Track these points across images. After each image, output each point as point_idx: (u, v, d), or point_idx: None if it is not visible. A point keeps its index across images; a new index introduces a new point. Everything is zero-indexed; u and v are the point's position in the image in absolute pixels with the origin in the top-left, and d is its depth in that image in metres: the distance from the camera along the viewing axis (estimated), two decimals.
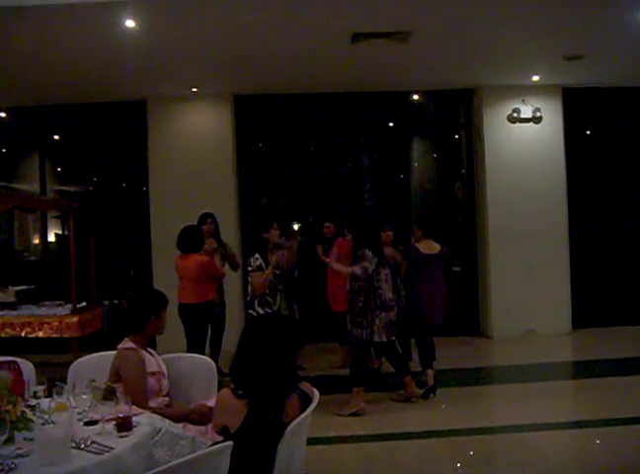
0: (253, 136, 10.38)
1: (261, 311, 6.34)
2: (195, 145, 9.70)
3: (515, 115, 9.84)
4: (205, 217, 7.68)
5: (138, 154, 10.13)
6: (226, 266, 7.71)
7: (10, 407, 2.81)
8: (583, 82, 9.73)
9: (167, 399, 3.99)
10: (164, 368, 4.03)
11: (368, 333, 6.22)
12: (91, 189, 10.98)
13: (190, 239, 6.98)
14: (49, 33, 6.75)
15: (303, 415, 3.04)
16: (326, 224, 8.35)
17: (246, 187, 10.20)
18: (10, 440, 2.74)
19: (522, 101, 9.83)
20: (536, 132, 9.92)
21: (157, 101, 9.68)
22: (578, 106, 10.21)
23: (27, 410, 3.03)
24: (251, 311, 6.45)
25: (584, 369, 8.12)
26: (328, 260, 7.54)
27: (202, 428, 3.71)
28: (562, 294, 9.94)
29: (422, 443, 5.50)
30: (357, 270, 6.23)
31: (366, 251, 6.23)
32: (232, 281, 8.19)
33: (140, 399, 3.54)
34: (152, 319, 3.97)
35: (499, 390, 7.40)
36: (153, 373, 3.89)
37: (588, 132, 10.70)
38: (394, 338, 6.45)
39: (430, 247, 6.96)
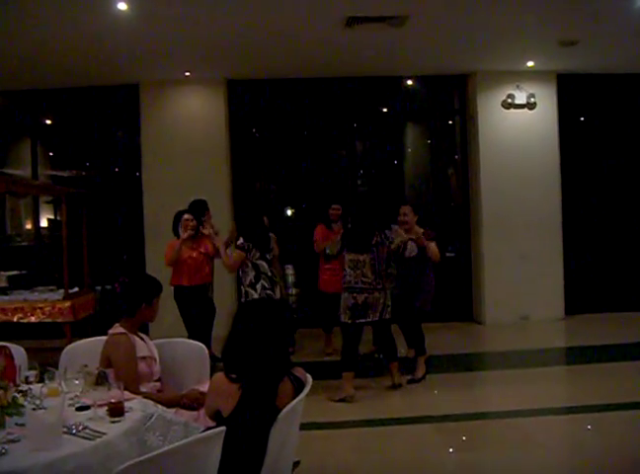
0: (246, 121, 10.33)
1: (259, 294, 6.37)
2: (188, 130, 9.65)
3: (509, 100, 9.81)
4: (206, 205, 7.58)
5: (131, 139, 10.08)
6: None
7: (1, 392, 2.81)
8: (577, 68, 9.70)
9: (158, 384, 3.98)
10: (155, 353, 4.02)
11: (339, 312, 6.37)
12: (83, 173, 10.94)
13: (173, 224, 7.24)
14: (40, 15, 6.68)
15: (296, 400, 3.03)
16: (335, 206, 8.02)
17: (239, 172, 10.16)
18: (1, 426, 2.74)
19: (517, 87, 9.81)
20: (530, 118, 9.90)
21: (150, 85, 9.62)
22: (572, 92, 10.19)
23: (18, 395, 3.02)
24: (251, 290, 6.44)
25: (576, 355, 8.14)
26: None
27: (195, 413, 3.71)
28: (555, 280, 9.97)
29: (413, 429, 5.51)
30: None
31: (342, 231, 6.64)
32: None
33: (131, 384, 3.53)
34: (144, 305, 3.96)
35: (491, 376, 7.40)
36: (144, 358, 3.89)
37: (582, 119, 10.70)
38: (362, 321, 6.32)
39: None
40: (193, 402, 3.75)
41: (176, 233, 7.16)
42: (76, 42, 7.63)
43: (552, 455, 4.90)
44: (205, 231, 7.10)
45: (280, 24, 7.34)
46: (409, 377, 6.79)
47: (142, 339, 4.02)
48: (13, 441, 2.63)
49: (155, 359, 4.00)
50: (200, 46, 8.11)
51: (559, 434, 5.49)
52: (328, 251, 6.88)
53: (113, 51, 8.06)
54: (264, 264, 6.41)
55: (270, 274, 6.42)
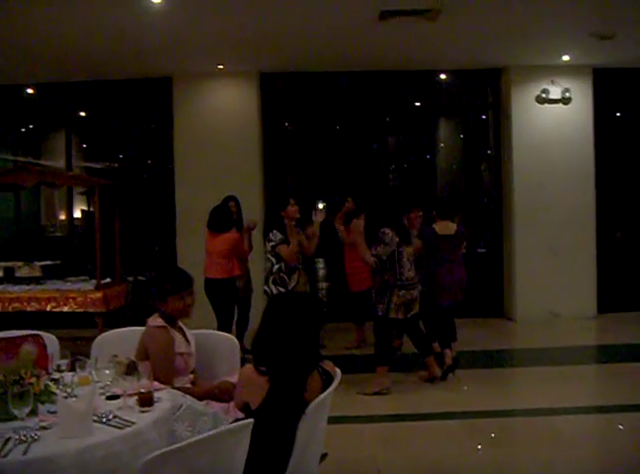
0: (279, 115, 10.34)
1: (274, 289, 6.32)
2: (220, 123, 9.68)
3: (543, 95, 9.69)
4: (227, 200, 7.74)
5: (164, 131, 10.14)
6: None
7: (34, 380, 2.83)
8: (614, 62, 9.54)
9: (192, 376, 3.97)
10: (193, 347, 3.97)
11: (385, 309, 6.22)
12: (116, 165, 11.03)
13: (219, 219, 7.27)
14: (76, 8, 6.73)
15: (325, 393, 3.03)
16: (349, 199, 8.09)
17: (271, 165, 10.18)
18: (33, 412, 2.77)
19: (552, 81, 9.68)
20: (565, 113, 9.77)
21: (183, 78, 9.66)
22: (608, 87, 10.02)
23: (50, 383, 3.05)
24: (265, 288, 6.45)
25: (607, 354, 8.05)
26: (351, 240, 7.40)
27: (225, 405, 3.70)
28: (587, 278, 9.84)
29: (443, 424, 5.49)
30: (369, 258, 6.26)
31: (387, 229, 6.21)
32: (255, 258, 8.18)
33: (167, 379, 3.51)
34: (169, 300, 3.83)
35: (521, 373, 7.37)
36: (181, 354, 3.84)
37: (618, 114, 10.54)
38: (411, 316, 6.40)
39: (445, 228, 6.89)
40: (224, 394, 3.73)
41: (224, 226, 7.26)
42: (110, 35, 7.68)
43: (582, 454, 4.85)
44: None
45: (314, 16, 7.32)
46: (440, 373, 6.76)
47: (182, 330, 3.98)
48: (45, 428, 2.67)
49: (192, 354, 3.94)
50: (233, 39, 8.12)
51: (589, 432, 5.44)
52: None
53: (146, 44, 8.11)
54: None
55: None
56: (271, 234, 6.40)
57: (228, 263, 7.20)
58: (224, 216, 7.32)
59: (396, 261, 6.22)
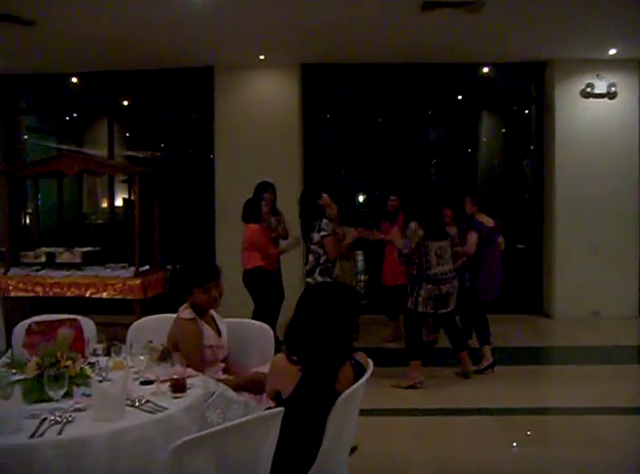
0: (319, 106, 10.33)
1: (321, 279, 6.24)
2: (261, 114, 9.69)
3: (588, 90, 9.51)
4: (268, 186, 7.73)
5: (205, 121, 10.20)
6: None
7: (69, 363, 2.88)
8: None
9: (222, 364, 3.99)
10: (224, 336, 3.98)
11: (413, 302, 6.23)
12: (158, 155, 11.15)
13: (246, 210, 7.41)
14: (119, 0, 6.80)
15: (357, 384, 3.02)
16: (392, 197, 8.12)
17: (311, 157, 10.17)
18: (68, 395, 2.82)
19: (597, 75, 9.51)
20: (610, 108, 9.58)
21: (224, 68, 9.69)
22: None
23: (86, 367, 3.10)
24: (310, 279, 6.29)
25: None
26: (388, 237, 7.42)
27: (258, 396, 3.71)
28: (630, 277, 9.67)
29: (477, 420, 5.46)
30: (399, 245, 6.40)
31: (412, 223, 6.24)
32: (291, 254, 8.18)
33: (196, 371, 3.51)
34: (194, 292, 3.80)
35: (558, 371, 7.28)
36: (210, 346, 3.85)
37: None
38: (444, 311, 6.36)
39: (488, 221, 6.87)
40: (257, 385, 3.71)
41: (248, 217, 7.37)
42: (154, 26, 7.75)
43: (618, 455, 4.77)
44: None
45: (356, 7, 7.28)
46: (474, 368, 6.72)
47: (214, 319, 4.00)
48: (79, 410, 2.71)
49: (222, 346, 3.94)
50: (275, 30, 8.12)
51: (626, 433, 5.35)
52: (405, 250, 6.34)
53: (188, 34, 8.15)
54: None
55: None
56: (322, 223, 6.08)
57: (249, 254, 7.30)
58: (251, 208, 7.40)
59: (422, 254, 6.21)
